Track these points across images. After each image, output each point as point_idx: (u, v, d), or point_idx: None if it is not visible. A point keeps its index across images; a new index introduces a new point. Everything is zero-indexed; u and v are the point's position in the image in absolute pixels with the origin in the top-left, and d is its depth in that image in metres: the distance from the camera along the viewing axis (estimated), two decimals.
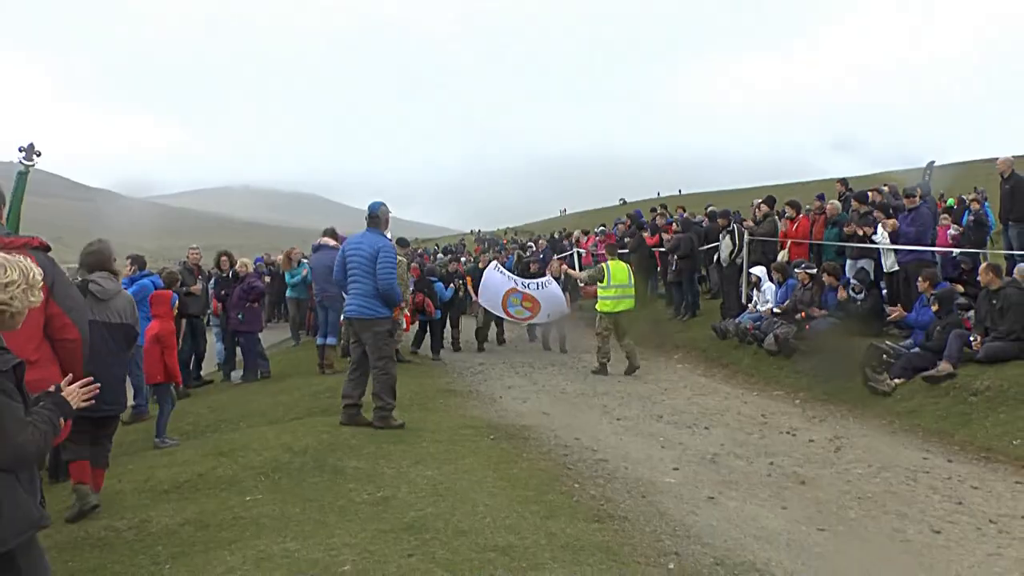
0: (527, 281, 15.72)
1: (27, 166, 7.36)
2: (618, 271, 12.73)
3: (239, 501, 5.59)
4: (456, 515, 5.14)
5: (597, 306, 12.82)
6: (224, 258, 13.36)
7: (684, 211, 20.87)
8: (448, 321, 15.70)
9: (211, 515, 5.32)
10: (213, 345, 13.61)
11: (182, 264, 13.08)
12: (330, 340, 12.26)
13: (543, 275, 16.37)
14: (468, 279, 17.27)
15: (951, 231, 14.37)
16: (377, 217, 8.19)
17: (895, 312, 10.77)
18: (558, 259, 19.07)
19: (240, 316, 12.34)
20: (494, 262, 16.79)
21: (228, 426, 9.03)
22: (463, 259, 28.04)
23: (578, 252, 21.48)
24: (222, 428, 8.98)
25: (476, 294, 16.13)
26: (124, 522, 5.34)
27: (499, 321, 16.77)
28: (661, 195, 73.40)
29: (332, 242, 12.15)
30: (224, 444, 7.27)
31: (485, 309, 15.96)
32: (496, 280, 15.60)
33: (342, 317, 10.88)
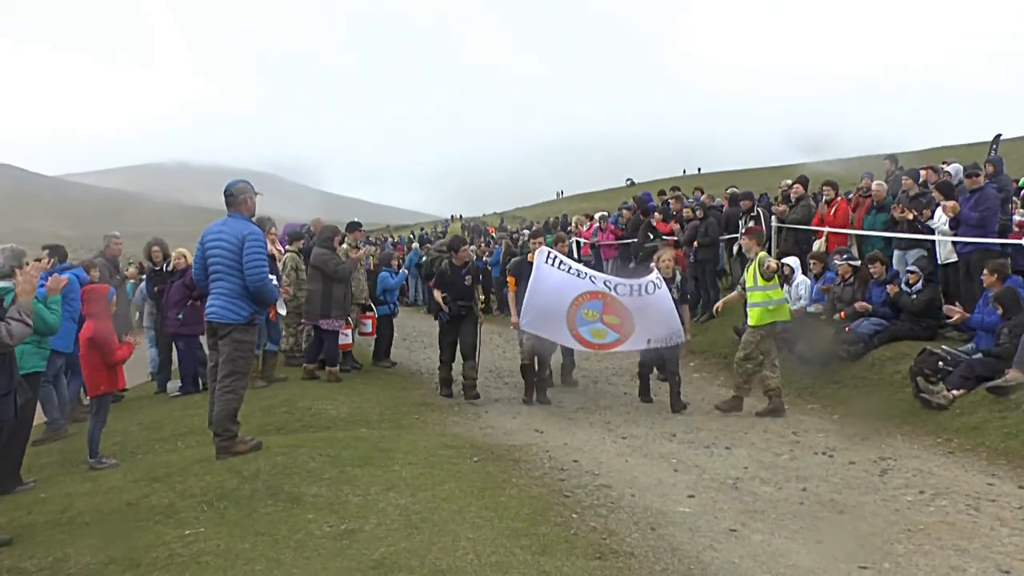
0: (615, 280, 11.46)
1: None
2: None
3: (176, 535, 5.57)
4: (433, 551, 5.14)
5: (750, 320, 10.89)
6: (156, 248, 13.19)
7: (702, 193, 20.76)
8: (459, 343, 11.73)
9: (142, 552, 5.29)
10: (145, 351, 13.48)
11: (100, 255, 12.92)
12: (270, 347, 12.17)
13: (644, 267, 12.95)
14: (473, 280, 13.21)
15: (1017, 216, 14.39)
16: (233, 196, 7.73)
17: (956, 314, 10.59)
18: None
19: (179, 316, 12.25)
20: (544, 248, 11.51)
21: (163, 446, 9.00)
22: (473, 246, 25.07)
23: (577, 241, 21.44)
24: (156, 449, 8.96)
25: (514, 308, 11.44)
26: (34, 561, 5.32)
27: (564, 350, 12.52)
28: (686, 173, 73.65)
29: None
30: (159, 468, 7.25)
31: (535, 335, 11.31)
32: (554, 281, 11.07)
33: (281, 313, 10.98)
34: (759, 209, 15.76)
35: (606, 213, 24.08)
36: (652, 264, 11.85)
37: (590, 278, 11.25)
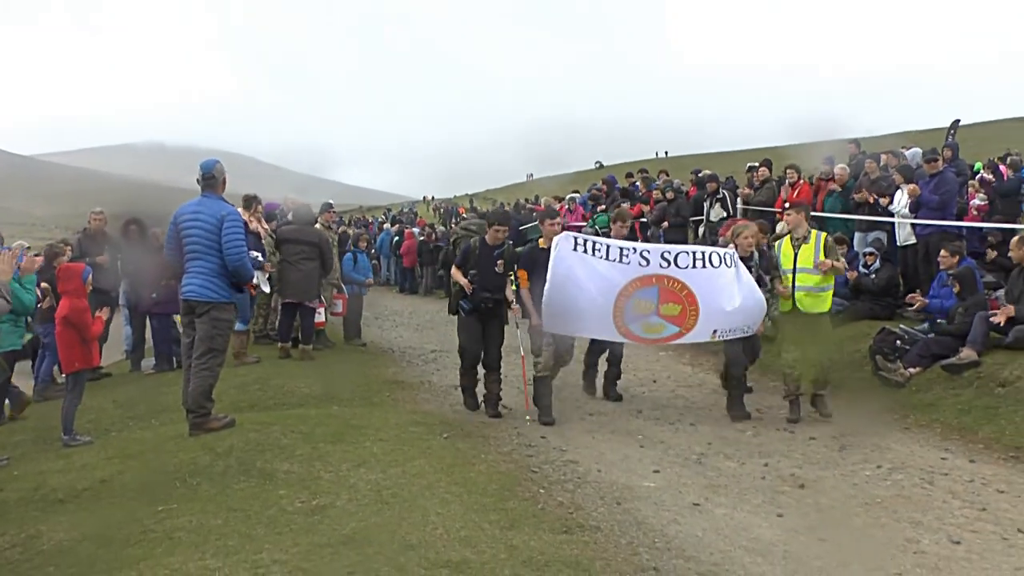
0: (675, 248, 9.34)
1: None
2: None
3: (149, 512, 5.52)
4: (403, 526, 5.13)
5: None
6: (133, 227, 13.05)
7: (667, 175, 20.86)
8: (486, 349, 9.34)
9: (115, 529, 5.26)
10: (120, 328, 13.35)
11: (83, 232, 12.79)
12: (239, 326, 12.08)
13: (709, 238, 11.27)
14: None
15: (976, 200, 14.55)
16: (213, 178, 7.70)
17: (917, 302, 10.65)
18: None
19: (154, 294, 12.17)
20: (568, 235, 9.19)
21: (138, 424, 8.93)
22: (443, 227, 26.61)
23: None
24: (130, 426, 8.88)
25: (531, 306, 8.95)
26: (7, 538, 5.29)
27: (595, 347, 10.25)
28: (659, 155, 73.76)
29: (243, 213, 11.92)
30: (133, 445, 7.21)
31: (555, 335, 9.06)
32: (589, 270, 8.83)
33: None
34: (725, 192, 15.80)
35: (575, 195, 24.05)
36: (728, 233, 10.04)
37: (641, 255, 8.95)
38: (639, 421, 8.92)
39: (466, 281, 9.00)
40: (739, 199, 15.33)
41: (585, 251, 8.86)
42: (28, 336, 9.30)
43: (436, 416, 8.65)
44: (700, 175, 18.67)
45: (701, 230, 15.87)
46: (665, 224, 16.81)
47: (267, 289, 11.93)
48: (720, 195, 15.45)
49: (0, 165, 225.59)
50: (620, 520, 5.69)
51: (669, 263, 8.86)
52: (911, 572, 5.16)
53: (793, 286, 9.01)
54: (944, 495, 6.55)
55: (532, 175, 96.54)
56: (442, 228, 28.61)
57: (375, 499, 5.66)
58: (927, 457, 7.52)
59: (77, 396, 8.22)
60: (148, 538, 5.06)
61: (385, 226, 32.69)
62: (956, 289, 9.91)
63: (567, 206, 21.72)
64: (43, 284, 9.66)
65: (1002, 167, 19.53)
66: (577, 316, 8.80)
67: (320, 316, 12.82)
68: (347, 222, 33.68)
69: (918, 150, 15.97)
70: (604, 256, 8.88)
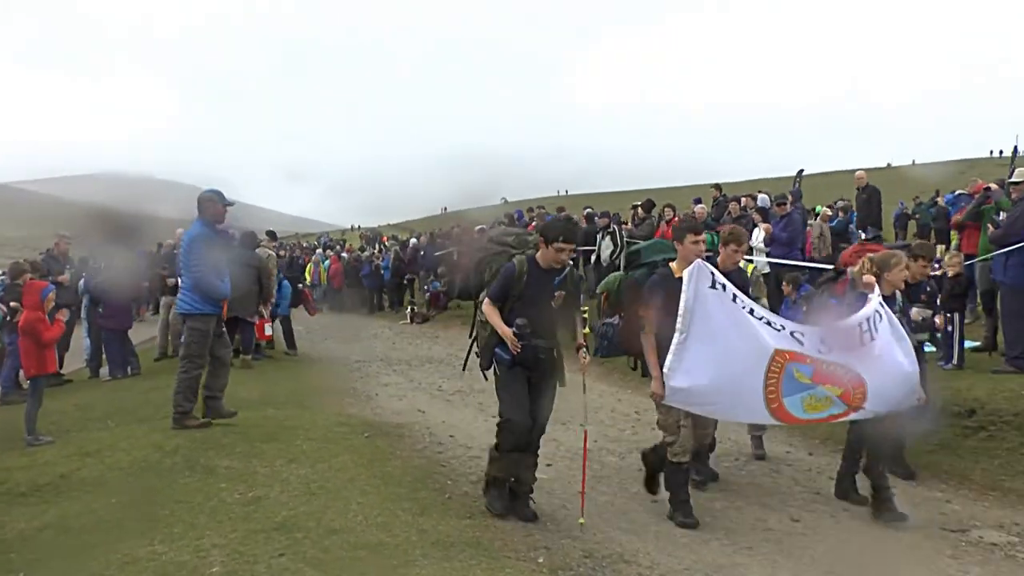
0: (837, 333, 5.72)
1: None
2: None
3: (104, 503, 5.38)
4: (328, 513, 5.10)
5: None
6: (98, 250, 12.73)
7: (563, 211, 21.11)
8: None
9: (73, 518, 5.11)
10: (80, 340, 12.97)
11: (47, 252, 12.39)
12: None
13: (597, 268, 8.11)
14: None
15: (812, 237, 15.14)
16: (199, 204, 7.64)
17: None
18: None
19: (99, 309, 11.94)
20: (702, 264, 5.51)
21: (95, 425, 8.63)
22: (367, 251, 26.82)
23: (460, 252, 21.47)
24: (88, 427, 8.57)
25: (655, 361, 5.60)
26: None
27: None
28: (561, 194, 74.07)
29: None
30: (90, 444, 6.97)
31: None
32: (731, 318, 5.52)
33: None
34: (614, 226, 16.04)
35: (484, 227, 24.12)
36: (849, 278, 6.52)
37: (792, 335, 5.62)
38: None
39: (509, 332, 5.34)
40: (625, 234, 15.61)
41: (725, 291, 5.50)
42: None
43: (359, 418, 8.56)
44: (587, 211, 19.02)
45: (593, 258, 16.00)
46: None
47: None
48: (611, 229, 15.67)
49: None
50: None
51: (819, 350, 5.60)
52: (760, 546, 5.34)
53: None
54: (788, 482, 6.85)
55: (447, 208, 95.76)
56: (367, 252, 28.31)
57: (304, 491, 5.60)
58: (775, 451, 7.74)
59: (37, 400, 7.96)
60: (102, 527, 4.95)
61: (318, 251, 32.26)
62: (804, 309, 10.25)
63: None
64: (12, 303, 9.39)
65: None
66: (716, 384, 5.45)
67: (268, 330, 12.65)
68: (291, 248, 33.04)
69: (766, 196, 16.57)
70: (747, 309, 5.57)
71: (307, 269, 26.13)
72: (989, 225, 9.37)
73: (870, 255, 6.31)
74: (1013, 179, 9.19)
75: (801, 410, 5.61)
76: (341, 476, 6.02)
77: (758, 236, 12.53)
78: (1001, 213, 9.36)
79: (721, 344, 5.39)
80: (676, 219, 14.92)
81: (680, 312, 5.30)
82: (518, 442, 5.44)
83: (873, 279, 5.99)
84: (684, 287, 5.34)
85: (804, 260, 12.43)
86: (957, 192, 16.50)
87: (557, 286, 5.51)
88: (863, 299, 5.87)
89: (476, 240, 6.71)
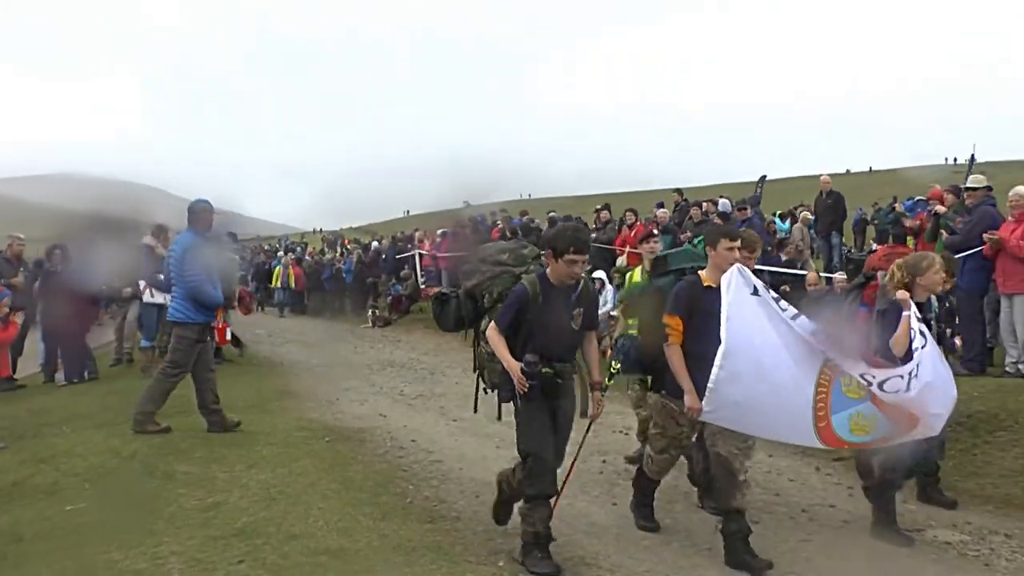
0: (882, 376, 5.03)
1: None
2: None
3: (59, 510, 5.30)
4: (288, 519, 5.08)
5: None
6: (57, 252, 12.46)
7: (526, 215, 21.11)
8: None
9: (26, 526, 5.04)
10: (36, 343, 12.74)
11: (1, 254, 12.16)
12: (144, 343, 11.79)
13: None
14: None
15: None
16: (193, 215, 7.66)
17: None
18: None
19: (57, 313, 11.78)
20: (741, 268, 5.06)
21: (50, 430, 8.47)
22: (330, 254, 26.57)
23: (419, 253, 21.42)
24: (43, 433, 8.42)
25: (685, 376, 5.11)
26: None
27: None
28: (522, 196, 73.88)
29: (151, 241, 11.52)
30: (45, 449, 6.86)
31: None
32: (775, 329, 5.01)
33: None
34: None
35: (446, 230, 24.06)
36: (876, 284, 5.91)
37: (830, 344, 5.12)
38: (497, 426, 8.84)
39: (517, 368, 4.74)
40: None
41: (768, 298, 5.08)
42: None
43: (320, 423, 8.51)
44: (551, 215, 19.09)
45: None
46: None
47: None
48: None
49: None
50: (477, 511, 5.72)
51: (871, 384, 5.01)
52: (719, 547, 5.31)
53: None
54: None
55: (409, 211, 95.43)
56: (328, 256, 28.10)
57: (264, 496, 5.57)
58: None
59: None
60: (57, 534, 4.88)
61: (279, 254, 31.84)
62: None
63: (439, 238, 21.47)
64: None
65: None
66: (762, 399, 4.92)
67: (228, 334, 12.53)
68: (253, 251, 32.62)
69: (727, 201, 16.75)
70: (792, 316, 5.07)
71: (275, 273, 25.80)
72: (943, 232, 9.56)
73: (898, 260, 5.77)
74: (969, 184, 9.41)
75: (848, 430, 5.14)
76: (302, 481, 5.98)
77: None
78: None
79: (770, 355, 4.93)
80: (640, 224, 15.07)
81: (722, 321, 4.83)
82: (545, 483, 4.86)
83: (907, 295, 5.45)
84: (724, 294, 4.90)
85: (767, 265, 12.53)
86: (916, 198, 16.80)
87: (575, 303, 4.94)
88: (896, 309, 5.44)
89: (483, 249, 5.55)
